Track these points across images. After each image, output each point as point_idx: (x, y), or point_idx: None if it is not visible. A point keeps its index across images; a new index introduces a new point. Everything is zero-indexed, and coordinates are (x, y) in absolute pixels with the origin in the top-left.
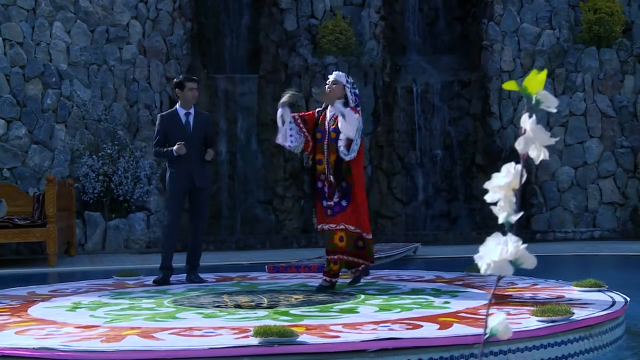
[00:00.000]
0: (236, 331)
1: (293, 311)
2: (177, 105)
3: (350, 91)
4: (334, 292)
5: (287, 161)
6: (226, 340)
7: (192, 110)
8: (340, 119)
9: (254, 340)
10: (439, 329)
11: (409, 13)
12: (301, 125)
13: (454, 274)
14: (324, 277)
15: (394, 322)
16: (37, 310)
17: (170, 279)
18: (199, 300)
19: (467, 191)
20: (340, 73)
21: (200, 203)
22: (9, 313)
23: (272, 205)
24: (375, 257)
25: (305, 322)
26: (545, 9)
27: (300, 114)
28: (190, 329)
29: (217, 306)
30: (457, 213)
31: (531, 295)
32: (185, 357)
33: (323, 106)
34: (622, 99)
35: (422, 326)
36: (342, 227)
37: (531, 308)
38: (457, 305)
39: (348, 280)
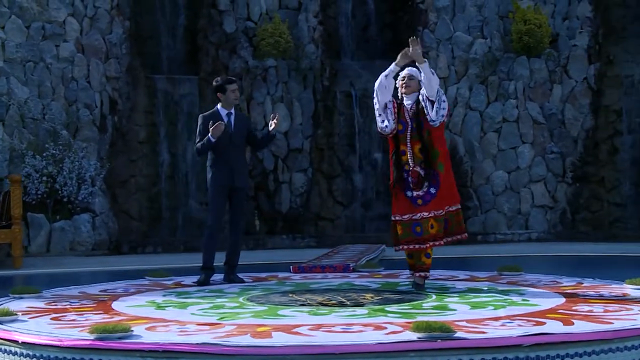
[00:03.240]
0: (372, 327)
1: (388, 308)
2: (218, 106)
3: (423, 82)
4: (398, 292)
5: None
6: (372, 336)
7: (232, 111)
8: (423, 75)
9: (413, 335)
10: (563, 325)
11: (342, 18)
12: (396, 113)
13: (487, 273)
14: (418, 274)
15: (510, 318)
16: (128, 310)
17: (211, 279)
18: (273, 300)
19: None
20: (413, 68)
21: (240, 203)
22: (101, 312)
23: None
24: (361, 260)
25: (419, 319)
26: (477, 19)
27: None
28: (322, 325)
29: (303, 304)
30: None
31: (595, 293)
32: (354, 352)
33: (400, 97)
34: (551, 107)
35: (544, 323)
36: (432, 214)
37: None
38: (544, 302)
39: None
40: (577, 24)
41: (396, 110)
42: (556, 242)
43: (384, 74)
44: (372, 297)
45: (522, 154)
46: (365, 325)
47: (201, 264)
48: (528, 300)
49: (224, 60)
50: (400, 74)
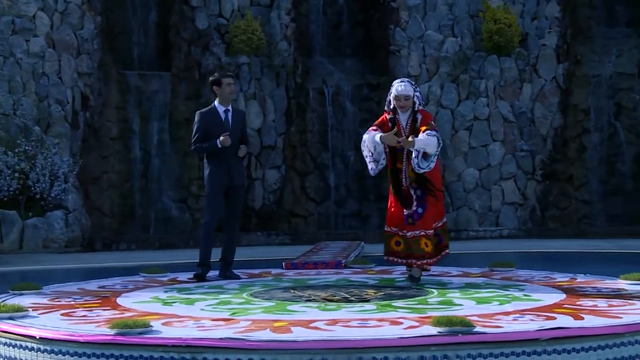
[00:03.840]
0: (388, 322)
1: (395, 304)
2: (215, 102)
3: (417, 96)
4: (398, 287)
5: (202, 160)
6: (390, 330)
7: (230, 107)
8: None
9: (433, 330)
10: (574, 320)
11: (313, 16)
12: (387, 147)
13: (480, 269)
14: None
15: (520, 313)
16: (136, 306)
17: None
18: (276, 295)
19: (378, 191)
20: (406, 84)
21: (237, 200)
22: (108, 308)
23: (186, 204)
24: (350, 257)
25: (429, 314)
26: (448, 18)
27: (376, 123)
28: (337, 320)
29: (308, 300)
30: (367, 212)
31: (593, 288)
32: (378, 346)
33: (393, 112)
34: (521, 105)
35: (555, 318)
36: (423, 233)
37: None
38: (546, 298)
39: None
40: (545, 24)
41: (390, 127)
42: (527, 238)
43: (366, 140)
44: (374, 293)
45: (493, 152)
46: (380, 320)
47: (197, 261)
48: (530, 296)
49: (197, 57)
50: (396, 90)
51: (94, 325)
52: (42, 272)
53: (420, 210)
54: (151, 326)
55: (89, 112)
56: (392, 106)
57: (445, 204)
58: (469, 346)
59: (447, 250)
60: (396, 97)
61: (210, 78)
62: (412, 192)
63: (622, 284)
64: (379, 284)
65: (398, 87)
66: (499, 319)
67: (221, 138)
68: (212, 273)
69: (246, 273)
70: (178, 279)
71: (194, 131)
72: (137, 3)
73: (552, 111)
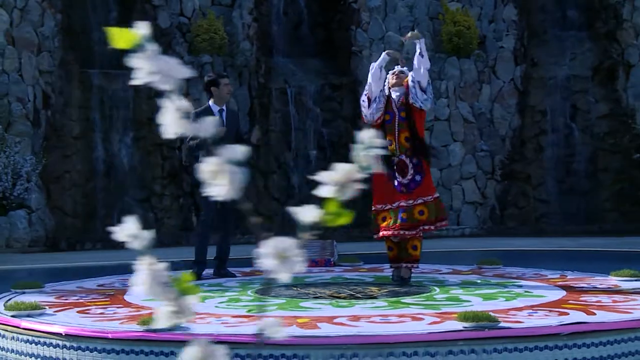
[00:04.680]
0: (409, 318)
1: (404, 300)
2: (210, 102)
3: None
4: (398, 284)
5: (166, 159)
6: (413, 326)
7: (224, 107)
8: (417, 57)
9: (458, 325)
10: (586, 315)
11: (274, 16)
12: (384, 103)
13: (468, 267)
14: (405, 265)
15: (531, 308)
16: (147, 304)
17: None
18: (282, 293)
19: None
20: (405, 68)
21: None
22: (121, 305)
23: (150, 203)
24: (335, 255)
25: (443, 310)
26: (408, 19)
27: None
28: (359, 316)
29: (316, 297)
30: None
31: (587, 285)
32: (408, 341)
33: (387, 89)
34: (480, 106)
35: (568, 313)
36: (420, 201)
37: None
38: (548, 294)
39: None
40: (503, 27)
41: (384, 102)
42: (487, 237)
43: (377, 64)
44: (378, 290)
45: (454, 152)
46: (400, 316)
47: (193, 258)
48: (531, 292)
49: None
50: (396, 67)
51: (117, 322)
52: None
53: (418, 177)
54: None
55: (50, 110)
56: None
57: None
58: (495, 341)
59: (446, 221)
60: (393, 72)
61: (206, 78)
62: (407, 161)
63: (613, 280)
64: (376, 281)
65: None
66: (514, 315)
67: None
68: (206, 271)
69: (239, 271)
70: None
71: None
72: (98, 1)
73: (510, 112)
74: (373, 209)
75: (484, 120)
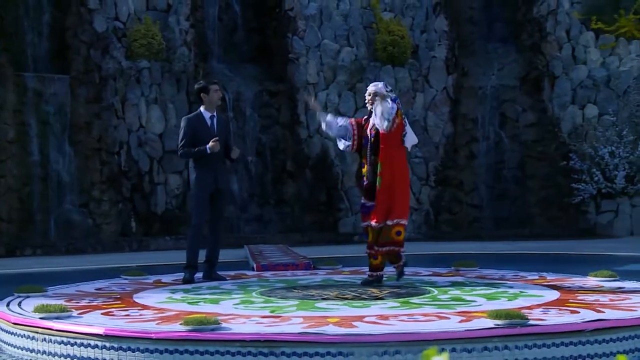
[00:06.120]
0: (434, 317)
1: (413, 301)
2: (202, 109)
3: (391, 98)
4: (397, 286)
5: (104, 164)
6: (442, 324)
7: (215, 114)
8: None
9: (489, 323)
10: (596, 313)
11: (209, 22)
12: (355, 130)
13: (446, 269)
14: (370, 273)
15: (540, 307)
16: (165, 305)
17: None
18: (287, 295)
19: (278, 196)
20: (378, 84)
21: (222, 204)
22: (140, 308)
23: (88, 208)
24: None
25: (458, 309)
26: (343, 28)
27: (357, 120)
28: (386, 316)
29: (324, 298)
30: (268, 217)
31: (571, 284)
32: (446, 338)
33: (368, 114)
34: (414, 114)
35: (579, 312)
36: (403, 222)
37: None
38: (544, 294)
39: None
40: (435, 37)
41: (359, 128)
42: (424, 241)
43: (325, 126)
44: (380, 292)
45: None
46: (425, 315)
47: (185, 263)
48: (526, 292)
49: (97, 60)
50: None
51: (153, 323)
52: None
53: (369, 204)
54: (220, 323)
55: None
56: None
57: (345, 209)
58: (526, 337)
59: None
60: (367, 95)
61: (196, 85)
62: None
63: (592, 280)
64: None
65: (369, 87)
66: (530, 313)
67: (210, 144)
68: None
69: (226, 275)
70: (162, 280)
71: (180, 136)
72: (30, 3)
73: (443, 120)
74: (368, 224)
75: (418, 127)
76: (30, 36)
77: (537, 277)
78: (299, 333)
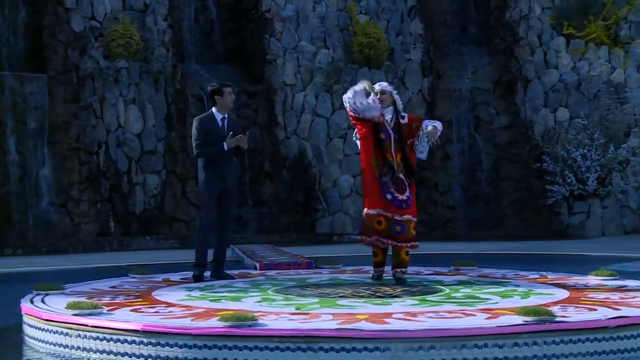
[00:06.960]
0: (460, 314)
1: (430, 299)
2: (214, 110)
3: (397, 97)
4: (408, 284)
5: (83, 164)
6: (472, 321)
7: (226, 115)
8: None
9: (517, 319)
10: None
11: (185, 22)
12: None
13: (446, 268)
14: (400, 270)
15: (559, 304)
16: (188, 303)
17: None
18: (303, 293)
19: (256, 196)
20: (384, 83)
21: (229, 204)
22: (164, 305)
23: (66, 208)
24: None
25: (478, 307)
26: (320, 30)
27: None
28: (413, 313)
29: (342, 296)
30: (247, 217)
31: (574, 283)
32: (478, 334)
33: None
34: None
35: (596, 309)
36: (413, 218)
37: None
38: (555, 292)
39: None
40: (410, 40)
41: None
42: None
43: (361, 101)
44: (393, 290)
45: None
46: (450, 312)
47: (194, 261)
48: (535, 290)
49: (74, 60)
50: (374, 88)
51: (187, 319)
52: None
53: (410, 197)
54: (257, 319)
55: None
56: None
57: (322, 209)
58: (554, 334)
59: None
60: (375, 94)
61: (210, 88)
62: (404, 179)
63: (594, 279)
64: (376, 282)
65: (376, 86)
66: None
67: (228, 140)
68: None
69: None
70: (170, 279)
71: (195, 137)
72: (5, 2)
73: None
74: (367, 211)
75: None
76: (6, 35)
77: (537, 276)
78: (336, 329)
